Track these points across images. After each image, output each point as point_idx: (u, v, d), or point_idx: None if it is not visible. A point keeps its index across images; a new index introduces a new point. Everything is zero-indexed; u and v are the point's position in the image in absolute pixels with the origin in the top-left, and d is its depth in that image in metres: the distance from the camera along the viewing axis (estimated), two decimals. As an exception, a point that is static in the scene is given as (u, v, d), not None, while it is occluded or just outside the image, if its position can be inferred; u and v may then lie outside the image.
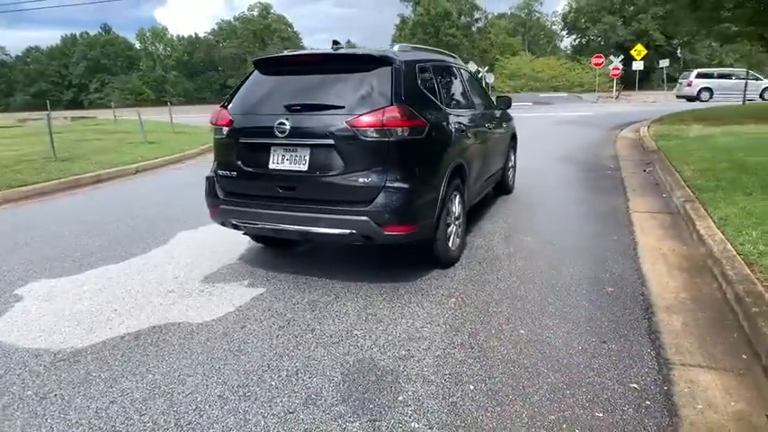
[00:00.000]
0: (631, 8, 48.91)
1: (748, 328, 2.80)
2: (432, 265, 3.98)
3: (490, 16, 64.97)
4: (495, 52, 57.86)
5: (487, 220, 5.34)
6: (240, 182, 3.79)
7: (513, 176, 6.70)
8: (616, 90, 32.86)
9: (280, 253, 4.51)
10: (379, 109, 3.36)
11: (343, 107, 3.46)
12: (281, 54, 4.18)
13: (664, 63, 29.87)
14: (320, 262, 4.28)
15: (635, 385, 2.41)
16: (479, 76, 45.39)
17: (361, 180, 3.39)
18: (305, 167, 3.51)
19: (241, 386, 2.50)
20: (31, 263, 4.44)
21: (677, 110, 17.74)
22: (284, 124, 3.48)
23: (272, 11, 70.78)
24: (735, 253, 3.63)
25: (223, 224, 3.97)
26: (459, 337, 2.93)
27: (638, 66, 30.42)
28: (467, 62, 46.91)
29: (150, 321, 3.23)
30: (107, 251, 4.69)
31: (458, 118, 4.29)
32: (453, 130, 4.07)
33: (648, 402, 2.29)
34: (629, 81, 34.50)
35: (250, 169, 3.72)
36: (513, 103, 6.19)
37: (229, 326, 3.15)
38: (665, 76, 32.17)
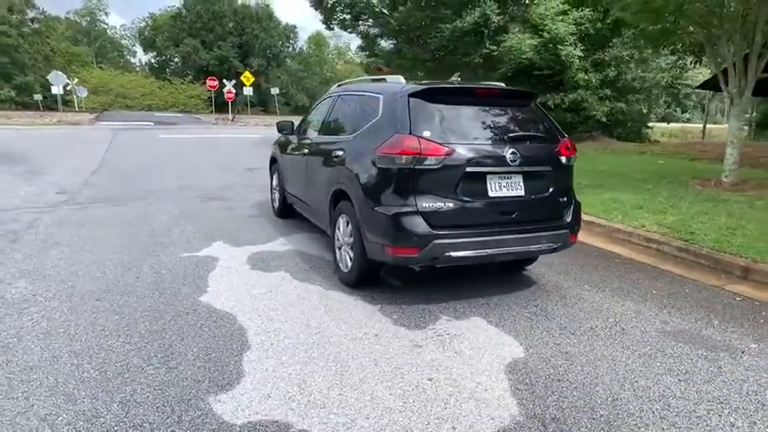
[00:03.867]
0: (211, 35, 52.38)
1: (705, 260, 5.32)
2: (514, 268, 4.99)
3: (45, 18, 55.80)
4: (59, 61, 50.43)
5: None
6: (458, 213, 3.79)
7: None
8: (232, 113, 35.31)
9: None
10: (564, 139, 4.28)
11: (548, 137, 4.20)
12: (461, 85, 4.54)
13: (275, 91, 34.28)
14: (404, 287, 4.47)
15: (739, 298, 4.48)
16: (68, 88, 39.17)
17: (560, 199, 4.21)
18: (522, 192, 3.97)
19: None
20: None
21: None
22: (516, 153, 3.88)
23: None
24: (633, 227, 6.27)
25: (434, 260, 3.77)
26: (665, 310, 4.29)
27: (248, 91, 33.70)
28: (49, 72, 39.40)
29: (442, 357, 3.12)
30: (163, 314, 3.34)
31: None
32: None
33: (747, 303, 4.38)
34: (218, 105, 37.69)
35: (467, 198, 3.81)
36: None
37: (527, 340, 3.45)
38: (276, 102, 36.85)
